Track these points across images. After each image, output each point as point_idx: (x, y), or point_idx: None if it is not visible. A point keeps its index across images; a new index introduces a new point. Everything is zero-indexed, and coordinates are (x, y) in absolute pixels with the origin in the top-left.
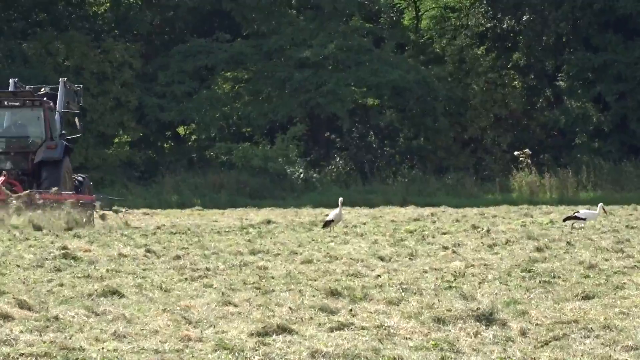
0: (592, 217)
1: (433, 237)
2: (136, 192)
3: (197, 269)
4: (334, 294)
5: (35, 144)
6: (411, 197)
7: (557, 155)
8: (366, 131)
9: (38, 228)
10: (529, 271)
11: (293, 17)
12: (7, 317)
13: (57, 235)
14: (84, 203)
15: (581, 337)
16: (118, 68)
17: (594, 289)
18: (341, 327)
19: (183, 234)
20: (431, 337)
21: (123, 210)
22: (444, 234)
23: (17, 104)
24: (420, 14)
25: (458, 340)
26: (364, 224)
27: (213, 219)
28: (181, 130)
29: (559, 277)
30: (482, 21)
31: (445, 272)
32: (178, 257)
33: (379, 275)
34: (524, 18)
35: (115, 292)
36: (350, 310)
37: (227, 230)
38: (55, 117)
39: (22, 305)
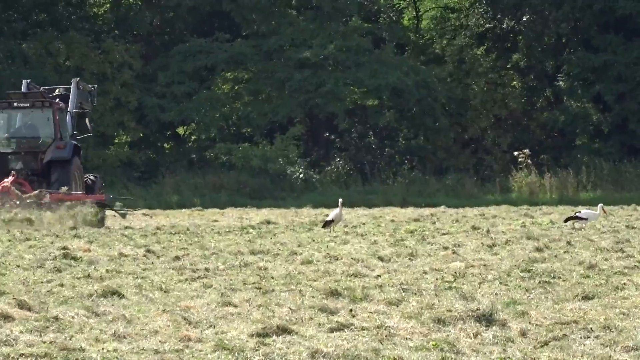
0: (594, 217)
1: (433, 237)
2: (136, 192)
3: (197, 269)
4: (334, 294)
5: (45, 145)
6: (411, 198)
7: (557, 155)
8: (366, 131)
9: (42, 227)
10: (529, 271)
11: (293, 18)
12: (7, 318)
13: (57, 236)
14: (97, 203)
15: (581, 338)
16: (118, 68)
17: (594, 289)
18: (341, 327)
19: (183, 234)
20: (431, 337)
21: (132, 210)
22: (444, 234)
23: (27, 105)
24: (420, 14)
25: (458, 341)
26: (364, 224)
27: (213, 219)
28: (181, 130)
29: (558, 278)
30: (482, 21)
31: (445, 273)
32: (178, 258)
33: (379, 276)
34: (524, 18)
35: (115, 293)
36: (350, 310)
37: (227, 230)
38: (67, 117)
39: (22, 305)
